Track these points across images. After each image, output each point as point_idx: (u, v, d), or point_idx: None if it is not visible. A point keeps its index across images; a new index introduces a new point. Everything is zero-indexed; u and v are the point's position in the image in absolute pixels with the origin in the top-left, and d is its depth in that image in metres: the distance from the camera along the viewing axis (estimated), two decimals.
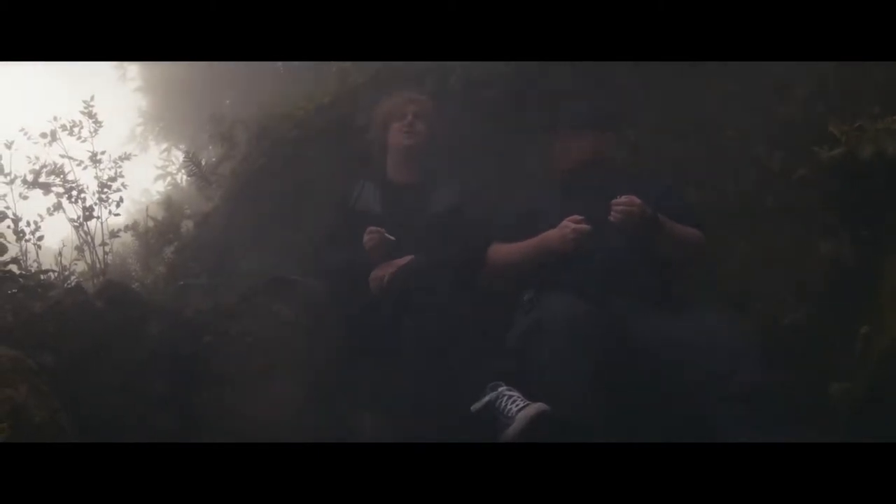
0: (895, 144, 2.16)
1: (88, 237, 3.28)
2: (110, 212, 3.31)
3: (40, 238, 3.05)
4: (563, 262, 2.32)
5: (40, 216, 3.12)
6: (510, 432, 1.96)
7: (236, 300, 2.49)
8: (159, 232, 3.64)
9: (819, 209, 2.37)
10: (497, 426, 2.01)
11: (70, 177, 3.27)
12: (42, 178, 3.24)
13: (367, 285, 2.44)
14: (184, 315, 2.51)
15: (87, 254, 3.28)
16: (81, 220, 3.26)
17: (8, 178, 3.13)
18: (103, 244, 3.30)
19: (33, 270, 2.80)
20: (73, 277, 3.17)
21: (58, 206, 3.25)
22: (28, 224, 3.04)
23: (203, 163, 3.81)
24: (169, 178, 5.78)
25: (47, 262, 3.07)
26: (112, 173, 3.33)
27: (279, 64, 4.82)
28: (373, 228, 2.44)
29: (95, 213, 3.27)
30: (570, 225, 2.28)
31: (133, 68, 7.24)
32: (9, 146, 3.13)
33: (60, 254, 3.19)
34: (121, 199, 3.34)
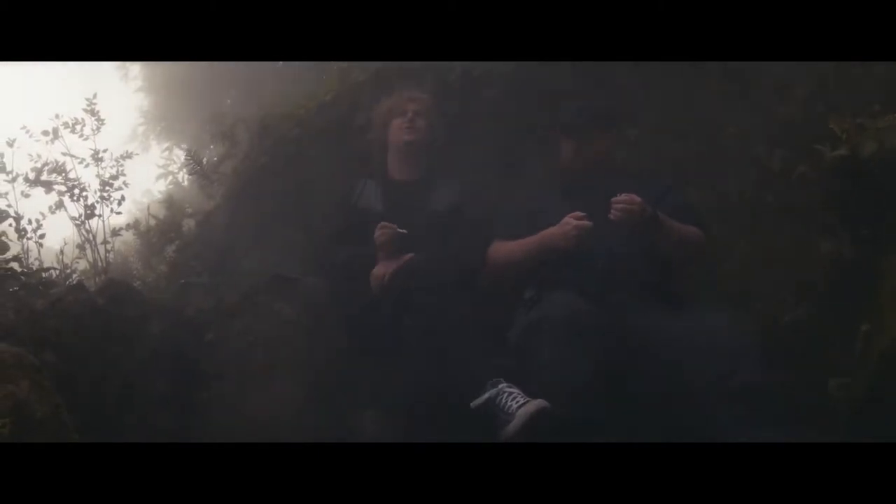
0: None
1: (90, 235, 3.28)
2: (112, 210, 3.32)
3: (42, 236, 3.06)
4: (564, 260, 2.32)
5: (42, 214, 3.14)
6: (510, 429, 1.96)
7: (238, 299, 2.49)
8: (161, 230, 3.65)
9: (819, 208, 2.37)
10: (497, 423, 2.01)
11: (72, 175, 3.29)
12: (44, 176, 3.24)
13: (368, 284, 2.45)
14: (185, 314, 2.52)
15: (88, 252, 3.29)
16: (83, 218, 3.27)
17: (10, 175, 3.14)
18: (105, 243, 3.31)
19: (35, 268, 2.80)
20: (74, 276, 3.18)
21: (59, 205, 3.26)
22: (30, 222, 3.06)
23: (204, 161, 3.82)
24: (170, 178, 5.78)
25: (49, 261, 3.08)
26: (114, 171, 3.35)
27: (280, 63, 4.83)
28: (385, 224, 2.44)
29: (97, 212, 3.29)
30: (571, 222, 2.29)
31: (135, 68, 7.26)
32: (11, 144, 3.14)
33: (62, 252, 3.20)
34: (122, 198, 3.35)
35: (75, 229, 3.30)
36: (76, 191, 3.26)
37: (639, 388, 2.15)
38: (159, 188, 5.81)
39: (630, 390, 2.14)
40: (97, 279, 3.17)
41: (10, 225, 2.96)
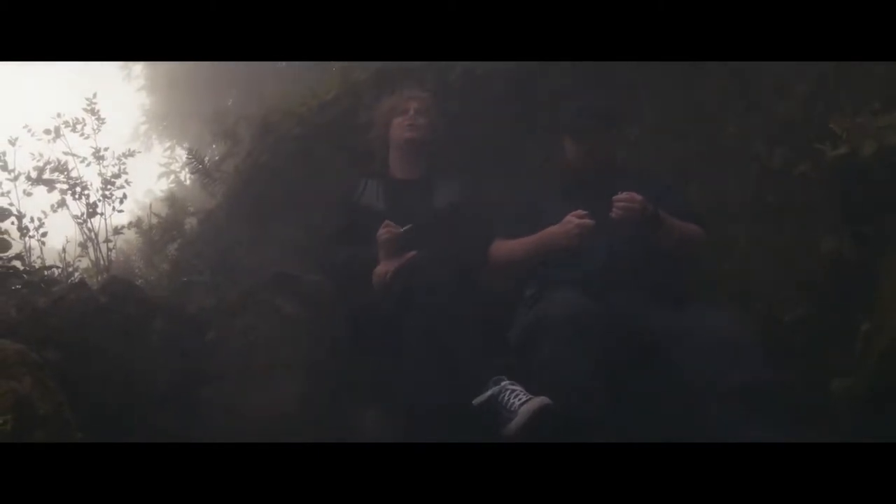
0: None
1: (92, 234, 3.29)
2: (114, 209, 3.33)
3: (44, 234, 3.06)
4: (565, 259, 2.33)
5: (44, 213, 3.14)
6: (513, 426, 1.97)
7: (239, 296, 2.50)
8: (163, 229, 3.67)
9: (819, 208, 2.38)
10: (499, 420, 2.02)
11: (74, 174, 3.29)
12: (46, 175, 3.25)
13: (368, 283, 2.45)
14: (187, 311, 2.52)
15: (90, 251, 3.29)
16: (85, 216, 3.27)
17: (12, 174, 3.14)
18: (107, 241, 3.32)
19: (37, 267, 2.81)
20: (76, 274, 3.19)
21: (61, 203, 3.26)
22: (32, 220, 3.06)
23: (206, 160, 3.83)
24: (172, 176, 5.80)
25: (51, 260, 3.08)
26: (116, 170, 3.35)
27: (281, 62, 4.84)
28: (389, 223, 2.45)
29: (99, 210, 3.29)
30: (573, 220, 2.29)
31: (137, 67, 7.28)
32: (13, 143, 3.14)
33: (64, 250, 3.21)
34: (124, 196, 3.36)
35: (77, 228, 3.31)
36: (78, 189, 3.26)
37: (640, 387, 2.15)
38: (161, 187, 5.83)
39: (631, 388, 2.14)
40: (99, 277, 3.17)
41: (13, 223, 2.96)
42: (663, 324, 2.15)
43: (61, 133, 3.31)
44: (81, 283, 2.44)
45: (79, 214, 3.27)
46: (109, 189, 3.31)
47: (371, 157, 2.90)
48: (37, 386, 1.70)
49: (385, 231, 2.43)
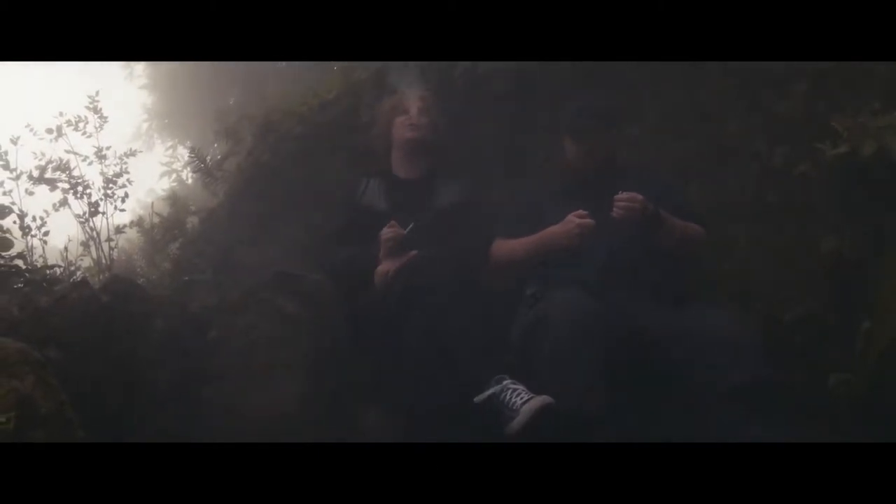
0: None
1: (94, 233, 3.30)
2: (116, 208, 3.33)
3: (46, 233, 3.06)
4: (566, 258, 2.33)
5: (46, 212, 3.14)
6: (515, 425, 1.97)
7: (241, 296, 2.50)
8: (165, 228, 3.67)
9: (820, 207, 2.38)
10: (501, 419, 2.02)
11: (76, 172, 3.29)
12: (48, 174, 3.25)
13: (372, 281, 2.46)
14: (189, 310, 2.52)
15: (92, 249, 3.30)
16: (87, 215, 3.28)
17: (14, 173, 3.14)
18: (109, 240, 3.32)
19: (39, 265, 2.81)
20: (78, 273, 3.20)
21: (63, 202, 3.27)
22: (34, 219, 3.06)
23: (208, 159, 3.83)
24: (174, 175, 5.80)
25: (53, 259, 3.09)
26: (118, 169, 3.36)
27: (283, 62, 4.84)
28: (394, 222, 2.45)
29: (101, 209, 3.29)
30: (574, 220, 2.29)
31: (139, 66, 7.28)
32: (14, 142, 3.14)
33: (66, 249, 3.21)
34: (126, 195, 3.36)
35: (79, 227, 3.31)
36: (80, 188, 3.26)
37: (641, 383, 2.15)
38: (163, 186, 5.83)
39: (633, 385, 2.14)
40: (101, 276, 3.18)
41: (15, 222, 2.97)
42: (663, 323, 2.15)
43: (63, 132, 3.31)
44: (83, 282, 2.44)
45: (81, 213, 3.28)
46: (111, 188, 3.32)
47: (372, 157, 2.91)
48: (38, 385, 1.70)
49: (389, 230, 2.44)
